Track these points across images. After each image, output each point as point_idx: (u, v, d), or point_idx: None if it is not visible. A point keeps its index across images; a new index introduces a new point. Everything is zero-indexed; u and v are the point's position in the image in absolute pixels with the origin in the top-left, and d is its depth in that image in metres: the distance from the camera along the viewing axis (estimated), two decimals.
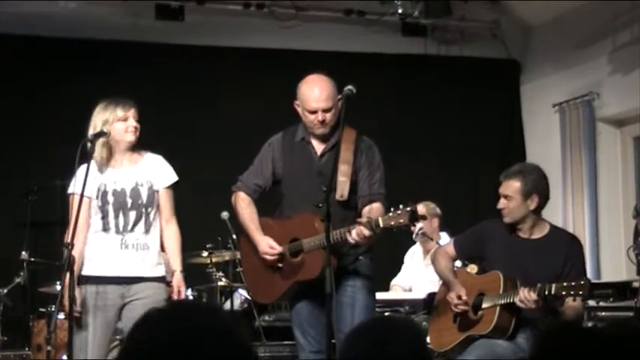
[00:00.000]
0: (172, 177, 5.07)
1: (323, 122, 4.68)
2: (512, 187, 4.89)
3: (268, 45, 8.56)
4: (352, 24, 8.77)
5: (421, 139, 8.77)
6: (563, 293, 4.53)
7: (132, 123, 4.93)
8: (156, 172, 5.03)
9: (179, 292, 4.96)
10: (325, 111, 4.66)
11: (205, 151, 8.16)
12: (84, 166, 4.84)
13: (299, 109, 4.77)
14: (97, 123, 4.91)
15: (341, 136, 4.53)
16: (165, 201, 5.02)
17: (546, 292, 4.55)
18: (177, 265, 5.01)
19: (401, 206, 4.32)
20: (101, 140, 4.90)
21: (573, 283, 4.48)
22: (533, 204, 4.89)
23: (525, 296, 4.58)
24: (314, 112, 4.67)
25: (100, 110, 4.94)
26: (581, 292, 4.49)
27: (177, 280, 4.98)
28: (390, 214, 4.35)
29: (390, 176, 4.87)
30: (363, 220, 4.44)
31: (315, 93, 4.66)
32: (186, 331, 1.61)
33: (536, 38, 9.08)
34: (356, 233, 4.40)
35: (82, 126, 5.03)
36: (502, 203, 4.93)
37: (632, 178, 8.20)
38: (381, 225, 4.36)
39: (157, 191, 5.00)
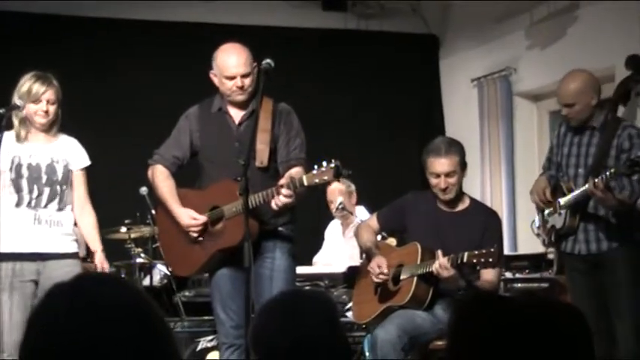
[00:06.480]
0: (86, 160, 5.08)
1: (242, 88, 4.64)
2: (454, 161, 4.89)
3: (189, 19, 8.43)
4: None
5: (340, 114, 8.75)
6: (474, 261, 4.60)
7: (42, 107, 4.85)
8: (71, 153, 5.01)
9: (102, 269, 4.96)
10: (244, 76, 4.63)
11: (123, 126, 8.04)
12: None
13: (215, 79, 4.72)
14: (15, 95, 4.84)
15: (259, 105, 4.49)
16: (80, 183, 5.03)
17: (459, 261, 4.62)
18: (97, 245, 5.05)
19: (324, 163, 4.26)
20: (19, 114, 4.83)
21: (484, 251, 4.55)
22: (465, 174, 4.98)
23: (441, 263, 4.64)
24: (232, 78, 4.63)
25: (22, 83, 4.87)
26: (490, 260, 4.55)
27: (100, 258, 5.01)
28: (314, 171, 4.28)
29: (309, 151, 4.81)
30: (284, 180, 4.37)
31: (232, 59, 4.64)
32: (90, 305, 1.51)
33: (455, 13, 9.13)
34: (276, 193, 4.34)
35: (6, 98, 4.91)
36: (445, 182, 4.89)
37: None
38: (306, 183, 4.29)
39: (72, 171, 4.99)
